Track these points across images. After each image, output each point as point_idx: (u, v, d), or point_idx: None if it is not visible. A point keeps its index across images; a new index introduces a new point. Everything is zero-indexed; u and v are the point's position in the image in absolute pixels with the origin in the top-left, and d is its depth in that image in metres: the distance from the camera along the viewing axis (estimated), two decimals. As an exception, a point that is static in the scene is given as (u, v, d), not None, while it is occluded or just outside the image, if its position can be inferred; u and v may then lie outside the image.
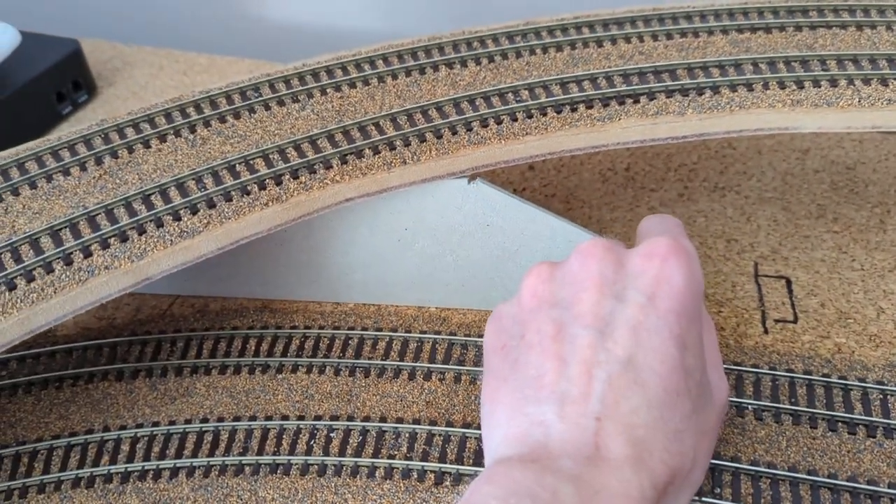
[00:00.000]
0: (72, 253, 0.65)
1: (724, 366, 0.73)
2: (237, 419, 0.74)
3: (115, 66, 1.35)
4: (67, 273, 0.64)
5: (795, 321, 0.79)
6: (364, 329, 0.82)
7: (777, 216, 0.92)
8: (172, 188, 0.71)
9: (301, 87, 0.82)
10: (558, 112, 0.76)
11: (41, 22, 1.31)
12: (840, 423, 0.68)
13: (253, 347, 0.82)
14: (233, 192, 0.70)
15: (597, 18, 0.88)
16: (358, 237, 0.81)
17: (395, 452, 0.70)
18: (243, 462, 0.71)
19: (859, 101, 0.73)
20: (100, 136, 0.78)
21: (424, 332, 0.81)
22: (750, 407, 0.70)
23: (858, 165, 0.98)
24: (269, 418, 0.74)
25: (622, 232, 0.92)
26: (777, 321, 0.79)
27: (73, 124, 1.22)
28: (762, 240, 0.89)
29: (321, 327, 0.83)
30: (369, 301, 0.87)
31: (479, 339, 0.79)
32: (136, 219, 0.68)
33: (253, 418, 0.74)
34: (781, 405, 0.70)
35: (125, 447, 0.73)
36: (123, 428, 0.75)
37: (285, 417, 0.74)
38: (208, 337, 0.83)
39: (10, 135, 1.01)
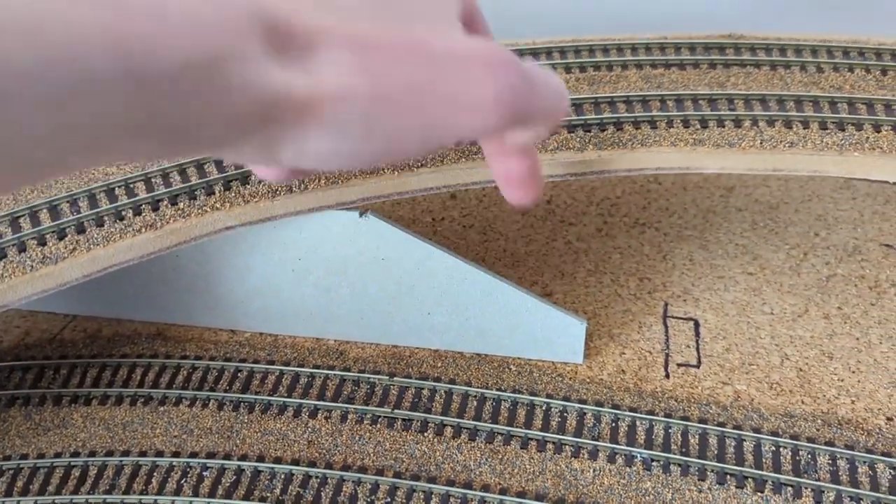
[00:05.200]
0: (-77, 277, 0.62)
1: (620, 411, 0.71)
2: (109, 454, 0.71)
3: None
4: (-86, 298, 0.61)
5: (698, 366, 0.77)
6: (256, 362, 0.79)
7: (694, 255, 0.90)
8: (44, 211, 0.68)
9: (200, 109, 0.80)
10: (456, 144, 0.74)
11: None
12: (729, 476, 0.66)
13: (138, 377, 0.78)
14: (105, 217, 0.67)
15: (513, 48, 0.86)
16: (253, 265, 0.78)
17: (268, 495, 0.67)
18: (107, 501, 0.67)
19: (761, 143, 0.72)
20: (-18, 152, 0.75)
21: (318, 367, 0.78)
22: (639, 456, 0.68)
23: (781, 205, 0.97)
24: (142, 454, 0.71)
25: (535, 266, 0.89)
26: (680, 365, 0.77)
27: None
28: (676, 279, 0.87)
29: (212, 358, 0.80)
30: (267, 331, 0.84)
31: (373, 376, 0.76)
32: (-2, 242, 0.65)
33: (126, 453, 0.71)
34: (671, 455, 0.67)
35: (-13, 481, 0.70)
36: (-11, 460, 0.71)
37: (159, 454, 0.71)
38: (94, 365, 0.80)
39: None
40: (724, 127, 0.74)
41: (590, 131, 0.74)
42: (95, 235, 0.66)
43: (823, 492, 0.64)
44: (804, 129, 0.72)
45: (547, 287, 0.87)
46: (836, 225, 0.93)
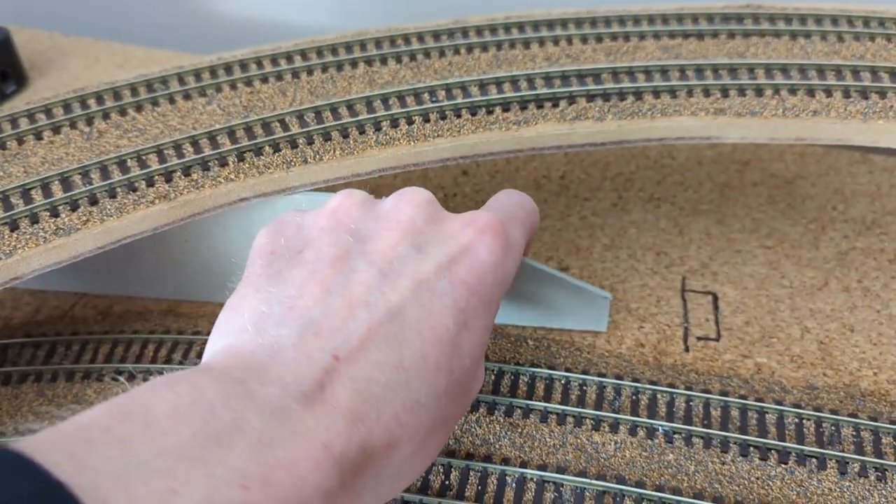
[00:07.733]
0: (-66, 248, 0.61)
1: (640, 384, 0.70)
2: (123, 429, 0.70)
3: (49, 57, 1.30)
4: (-74, 270, 0.60)
5: (718, 339, 0.76)
6: (270, 336, 0.78)
7: (710, 229, 0.89)
8: (56, 183, 0.67)
9: (211, 81, 0.79)
10: (473, 114, 0.73)
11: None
12: (752, 448, 0.65)
13: (151, 353, 0.77)
14: (118, 189, 0.66)
15: (528, 19, 0.85)
16: (265, 240, 0.77)
17: (285, 469, 0.66)
18: (123, 476, 0.66)
19: (784, 112, 0.70)
20: (-10, 125, 0.74)
21: (332, 342, 0.77)
22: (661, 429, 0.67)
23: (798, 180, 0.96)
24: (157, 429, 0.70)
25: (550, 241, 0.88)
26: (699, 339, 0.76)
27: None
28: (693, 253, 0.86)
29: (225, 333, 0.79)
30: (280, 307, 0.83)
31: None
32: (9, 213, 0.63)
33: (140, 429, 0.70)
34: (694, 427, 0.67)
35: (1, 457, 0.69)
36: (2, 435, 0.71)
37: (174, 429, 0.70)
38: (106, 341, 0.79)
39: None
40: (745, 96, 0.72)
41: (609, 101, 0.73)
42: (108, 207, 0.65)
43: (848, 463, 0.63)
44: (827, 97, 0.71)
45: (563, 262, 0.86)
46: (854, 199, 0.92)
